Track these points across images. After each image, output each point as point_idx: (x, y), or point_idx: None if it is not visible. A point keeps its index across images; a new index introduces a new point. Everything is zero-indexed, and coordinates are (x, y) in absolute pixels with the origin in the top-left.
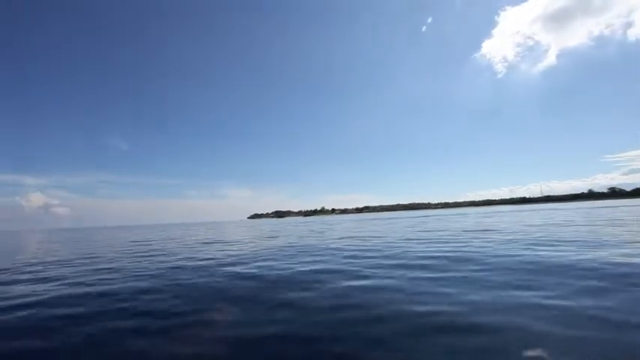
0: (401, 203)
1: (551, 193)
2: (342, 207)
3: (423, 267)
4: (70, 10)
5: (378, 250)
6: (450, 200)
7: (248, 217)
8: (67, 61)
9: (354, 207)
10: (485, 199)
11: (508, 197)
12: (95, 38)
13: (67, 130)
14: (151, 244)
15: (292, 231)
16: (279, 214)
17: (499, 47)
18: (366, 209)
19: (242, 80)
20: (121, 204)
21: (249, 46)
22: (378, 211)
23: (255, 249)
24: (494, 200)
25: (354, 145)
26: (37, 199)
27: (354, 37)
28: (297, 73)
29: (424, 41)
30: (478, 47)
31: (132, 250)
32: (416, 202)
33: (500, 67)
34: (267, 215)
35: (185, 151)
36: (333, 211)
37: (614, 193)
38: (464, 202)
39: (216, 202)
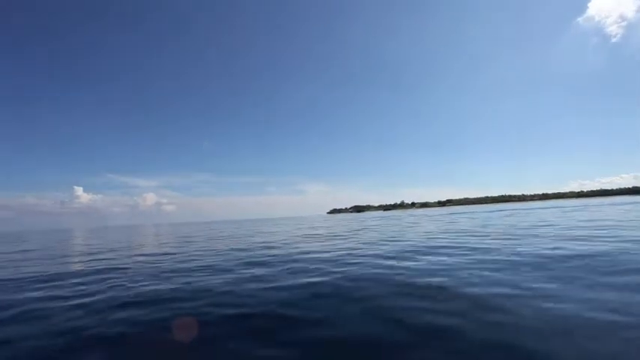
0: (490, 196)
1: None
2: (423, 200)
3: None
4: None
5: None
6: (550, 191)
7: (327, 212)
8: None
9: (436, 200)
10: (600, 188)
11: (632, 186)
12: (184, 44)
13: (171, 136)
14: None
15: (399, 225)
16: (358, 209)
17: (613, 4)
18: (449, 202)
19: (320, 77)
20: (214, 201)
21: (327, 45)
22: (462, 204)
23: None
24: (611, 190)
25: (436, 137)
26: (150, 198)
27: (434, 24)
28: (379, 66)
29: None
30: (582, 9)
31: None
32: (508, 194)
33: (614, 29)
34: (345, 210)
35: (266, 150)
36: (413, 204)
37: None
38: (568, 192)
39: (296, 198)
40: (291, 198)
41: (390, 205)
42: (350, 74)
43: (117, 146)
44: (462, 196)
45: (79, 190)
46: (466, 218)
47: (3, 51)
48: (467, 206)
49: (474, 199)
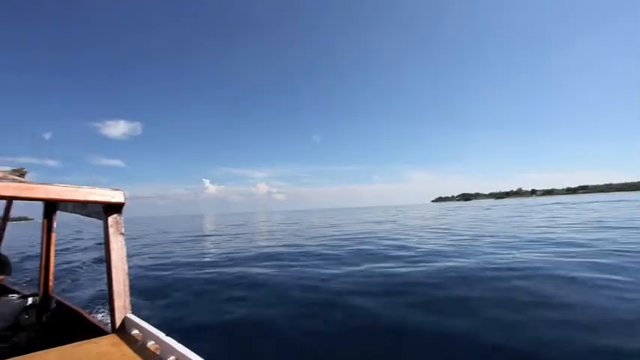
0: None
1: None
2: (547, 187)
3: None
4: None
5: None
6: None
7: (432, 201)
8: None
9: (564, 187)
10: None
11: None
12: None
13: (281, 130)
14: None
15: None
16: (465, 197)
17: None
18: (583, 189)
19: (424, 64)
20: (320, 190)
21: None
22: (603, 191)
23: None
24: None
25: (567, 110)
26: (263, 187)
27: None
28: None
29: None
30: None
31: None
32: None
33: None
34: (452, 198)
35: (370, 138)
36: (534, 192)
37: None
38: None
39: (399, 186)
40: (395, 186)
41: (504, 192)
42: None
43: (235, 142)
44: (602, 181)
45: (207, 182)
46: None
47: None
48: (611, 194)
49: (622, 184)
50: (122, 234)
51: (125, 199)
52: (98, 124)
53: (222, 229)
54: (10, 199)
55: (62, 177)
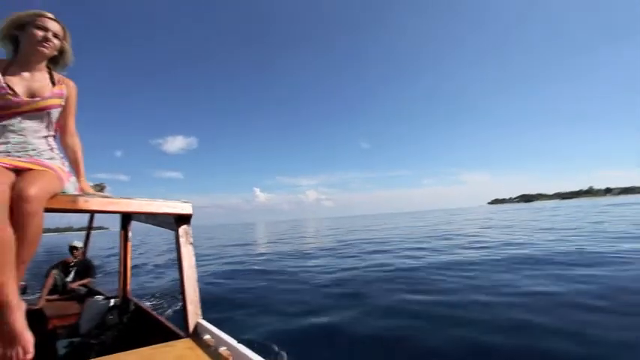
0: None
1: None
2: (625, 184)
3: None
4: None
5: None
6: None
7: (488, 203)
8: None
9: None
10: None
11: None
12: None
13: (327, 137)
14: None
15: None
16: (526, 198)
17: None
18: None
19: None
20: (368, 196)
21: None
22: None
23: None
24: None
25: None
26: (311, 195)
27: None
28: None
29: None
30: None
31: None
32: None
33: None
34: (510, 200)
35: (419, 142)
36: (609, 191)
37: None
38: None
39: (450, 189)
40: (446, 189)
41: (572, 192)
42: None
43: (284, 151)
44: None
45: (257, 191)
46: None
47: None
48: None
49: None
50: (191, 243)
51: (192, 210)
52: (160, 141)
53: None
54: (94, 213)
55: (130, 189)
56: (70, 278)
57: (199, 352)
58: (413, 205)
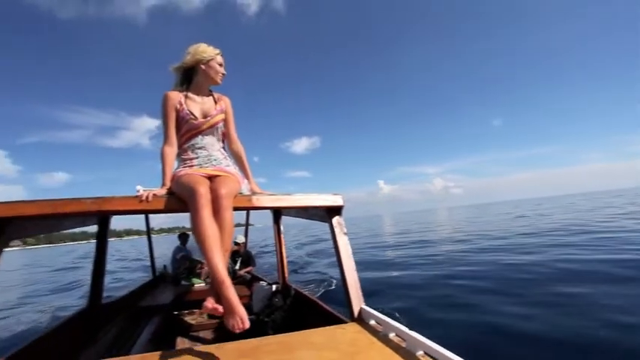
0: None
1: None
2: None
3: None
4: None
5: None
6: None
7: None
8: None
9: None
10: None
11: None
12: None
13: (452, 118)
14: None
15: None
16: None
17: None
18: None
19: None
20: (505, 180)
21: None
22: None
23: None
24: None
25: None
26: (438, 183)
27: None
28: None
29: None
30: None
31: None
32: None
33: None
34: None
35: (579, 106)
36: None
37: None
38: None
39: (625, 165)
40: (618, 165)
41: None
42: None
43: (406, 140)
44: None
45: (381, 183)
46: None
47: None
48: None
49: None
50: (345, 234)
51: (344, 202)
52: (288, 144)
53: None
54: (248, 210)
55: (268, 190)
56: (237, 266)
57: (369, 336)
58: (569, 187)
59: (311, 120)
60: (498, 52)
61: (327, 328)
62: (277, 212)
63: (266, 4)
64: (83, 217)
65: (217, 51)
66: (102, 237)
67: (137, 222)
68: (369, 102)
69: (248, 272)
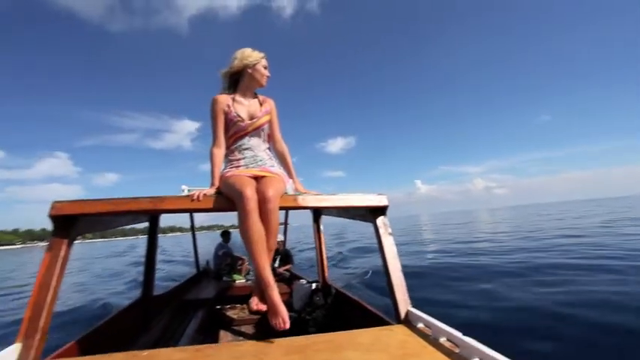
0: None
1: None
2: None
3: None
4: None
5: None
6: None
7: None
8: None
9: None
10: None
11: None
12: None
13: (493, 119)
14: None
15: None
16: None
17: None
18: None
19: None
20: (553, 180)
21: None
22: None
23: None
24: None
25: None
26: (479, 183)
27: None
28: None
29: None
30: None
31: None
32: None
33: None
34: None
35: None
36: None
37: None
38: None
39: None
40: None
41: None
42: None
43: (445, 139)
44: None
45: (418, 183)
46: None
47: None
48: None
49: None
50: (390, 234)
51: (389, 202)
52: (323, 144)
53: None
54: (287, 209)
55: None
56: (276, 264)
57: (419, 339)
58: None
59: (346, 120)
60: (549, 47)
61: (373, 329)
62: (317, 212)
63: (301, 7)
64: (137, 215)
65: (262, 54)
66: (152, 234)
67: (179, 220)
68: (406, 101)
69: (287, 270)
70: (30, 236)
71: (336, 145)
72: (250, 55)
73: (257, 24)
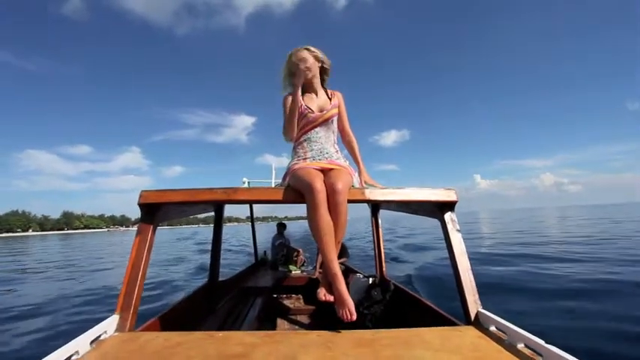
0: None
1: None
2: None
3: None
4: None
5: None
6: None
7: None
8: None
9: None
10: None
11: None
12: None
13: (567, 106)
14: None
15: None
16: None
17: None
18: None
19: None
20: None
21: None
22: None
23: None
24: None
25: None
26: (547, 178)
27: None
28: None
29: None
30: None
31: None
32: None
33: None
34: None
35: None
36: None
37: None
38: None
39: None
40: None
41: None
42: None
43: (507, 130)
44: None
45: (477, 178)
46: None
47: None
48: None
49: None
50: (458, 230)
51: (458, 197)
52: (376, 137)
53: None
54: (354, 202)
55: None
56: None
57: (493, 343)
58: None
59: (400, 112)
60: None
61: (440, 328)
62: (375, 206)
63: None
64: (208, 205)
65: (299, 48)
66: (218, 223)
67: (235, 211)
68: (465, 91)
69: (342, 263)
70: (112, 221)
71: (390, 138)
72: (293, 53)
73: (311, 18)
